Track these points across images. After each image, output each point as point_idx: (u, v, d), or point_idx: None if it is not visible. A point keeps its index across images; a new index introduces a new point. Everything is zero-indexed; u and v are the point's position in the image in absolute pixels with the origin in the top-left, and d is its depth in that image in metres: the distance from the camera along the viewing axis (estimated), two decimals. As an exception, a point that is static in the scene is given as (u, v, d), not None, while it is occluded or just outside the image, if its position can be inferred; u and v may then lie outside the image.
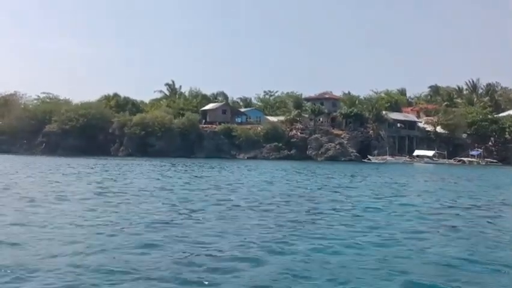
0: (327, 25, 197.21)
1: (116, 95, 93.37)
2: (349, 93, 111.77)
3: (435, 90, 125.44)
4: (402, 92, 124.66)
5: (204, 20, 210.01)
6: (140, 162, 53.04)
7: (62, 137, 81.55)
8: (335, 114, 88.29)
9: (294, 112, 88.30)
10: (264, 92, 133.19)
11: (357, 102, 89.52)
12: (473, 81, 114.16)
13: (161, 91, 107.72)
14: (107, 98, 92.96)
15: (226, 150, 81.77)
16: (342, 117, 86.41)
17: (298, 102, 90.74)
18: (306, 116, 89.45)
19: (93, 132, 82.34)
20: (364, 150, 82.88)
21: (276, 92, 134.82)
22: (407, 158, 79.54)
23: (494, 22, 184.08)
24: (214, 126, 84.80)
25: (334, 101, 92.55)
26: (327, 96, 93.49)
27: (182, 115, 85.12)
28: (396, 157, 79.38)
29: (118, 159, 67.14)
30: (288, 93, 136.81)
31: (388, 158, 77.20)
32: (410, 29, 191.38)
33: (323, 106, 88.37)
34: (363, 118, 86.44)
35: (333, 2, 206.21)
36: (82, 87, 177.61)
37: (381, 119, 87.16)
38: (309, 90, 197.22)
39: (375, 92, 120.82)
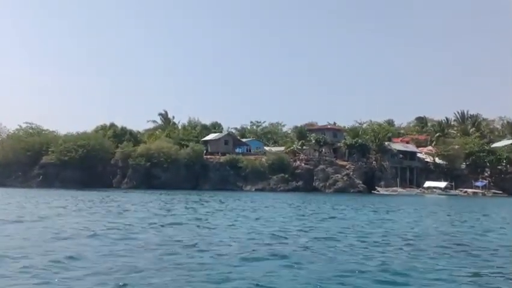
0: (311, 56, 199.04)
1: (113, 125, 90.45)
2: (334, 123, 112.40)
3: (422, 121, 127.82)
4: (390, 123, 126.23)
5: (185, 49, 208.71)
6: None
7: (60, 168, 77.93)
8: (338, 144, 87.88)
9: (299, 143, 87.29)
10: (251, 122, 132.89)
11: (360, 132, 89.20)
12: (462, 113, 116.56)
13: (154, 121, 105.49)
14: (103, 128, 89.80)
15: (232, 181, 79.85)
16: (346, 148, 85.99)
17: (302, 133, 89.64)
18: (305, 147, 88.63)
19: (92, 163, 79.11)
20: (368, 182, 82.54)
21: (264, 122, 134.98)
22: (419, 190, 79.19)
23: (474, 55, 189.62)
24: (217, 157, 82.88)
25: (335, 131, 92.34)
26: (328, 126, 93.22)
27: (183, 146, 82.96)
28: (407, 189, 79.12)
29: (128, 191, 64.25)
30: (273, 124, 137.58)
31: (399, 189, 76.88)
32: (390, 62, 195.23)
33: (325, 136, 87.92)
34: (367, 149, 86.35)
35: (315, 33, 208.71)
36: (64, 118, 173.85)
37: (384, 149, 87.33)
38: (293, 121, 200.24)
39: (359, 123, 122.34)
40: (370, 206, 39.37)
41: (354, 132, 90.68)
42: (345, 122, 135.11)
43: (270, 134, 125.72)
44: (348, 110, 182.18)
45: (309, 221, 24.45)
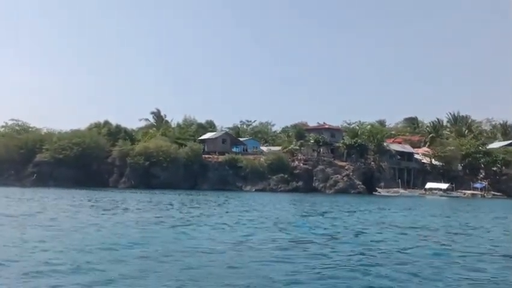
0: (300, 56, 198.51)
1: (107, 123, 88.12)
2: (324, 123, 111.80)
3: (413, 122, 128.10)
4: (382, 123, 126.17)
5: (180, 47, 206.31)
6: (185, 196, 48.19)
7: (55, 166, 75.60)
8: (337, 144, 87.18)
9: (297, 143, 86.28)
10: (241, 121, 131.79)
11: (359, 132, 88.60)
12: (454, 114, 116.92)
13: (147, 119, 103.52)
14: (97, 126, 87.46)
15: (232, 182, 78.48)
16: (345, 148, 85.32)
17: (300, 132, 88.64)
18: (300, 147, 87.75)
19: (87, 162, 76.93)
20: (367, 183, 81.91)
21: (254, 121, 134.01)
22: (422, 191, 78.86)
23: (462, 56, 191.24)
24: (216, 156, 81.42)
25: (333, 131, 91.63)
26: (326, 126, 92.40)
27: (180, 145, 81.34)
28: (409, 190, 78.75)
29: (127, 191, 62.45)
30: (263, 123, 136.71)
31: (401, 190, 76.45)
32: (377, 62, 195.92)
33: (324, 136, 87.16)
34: (365, 149, 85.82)
35: (304, 33, 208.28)
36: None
37: (383, 150, 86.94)
38: (283, 121, 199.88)
39: (348, 124, 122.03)
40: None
41: (353, 132, 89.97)
42: (333, 122, 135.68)
43: (260, 134, 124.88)
44: (336, 110, 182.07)
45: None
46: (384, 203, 46.65)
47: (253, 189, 76.53)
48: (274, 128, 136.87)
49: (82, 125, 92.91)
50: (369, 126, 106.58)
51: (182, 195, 52.00)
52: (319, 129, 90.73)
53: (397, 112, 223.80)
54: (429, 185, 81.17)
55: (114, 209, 28.84)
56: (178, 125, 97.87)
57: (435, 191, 78.03)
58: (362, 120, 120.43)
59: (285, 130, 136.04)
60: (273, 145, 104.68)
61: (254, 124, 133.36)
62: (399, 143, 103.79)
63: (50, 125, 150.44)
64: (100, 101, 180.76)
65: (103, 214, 24.93)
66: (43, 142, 78.26)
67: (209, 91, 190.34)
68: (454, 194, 78.38)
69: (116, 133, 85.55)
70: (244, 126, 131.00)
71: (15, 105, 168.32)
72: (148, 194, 54.05)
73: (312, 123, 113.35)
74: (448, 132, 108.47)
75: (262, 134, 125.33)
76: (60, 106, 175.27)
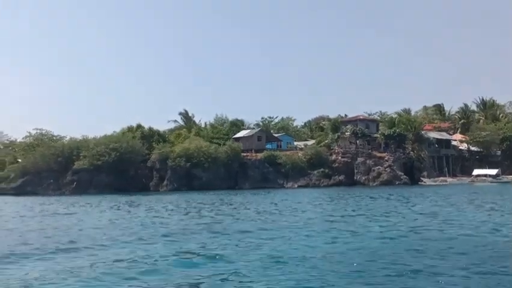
0: (318, 50, 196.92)
1: (140, 126, 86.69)
2: (345, 116, 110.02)
3: (440, 109, 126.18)
4: (407, 112, 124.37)
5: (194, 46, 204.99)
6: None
7: (94, 173, 74.24)
8: (374, 135, 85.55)
9: (334, 135, 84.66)
10: (262, 118, 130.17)
11: (396, 122, 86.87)
12: (482, 99, 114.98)
13: (175, 121, 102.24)
14: (130, 130, 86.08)
15: (273, 179, 76.94)
16: (384, 138, 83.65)
17: (336, 125, 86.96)
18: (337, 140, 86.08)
19: (125, 167, 75.66)
20: (407, 173, 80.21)
21: (276, 117, 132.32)
22: (470, 178, 77.22)
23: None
24: (254, 154, 79.97)
25: (367, 122, 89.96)
26: (361, 117, 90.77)
27: (218, 144, 79.98)
28: (458, 178, 77.13)
29: (170, 193, 61.31)
30: (284, 118, 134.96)
31: (449, 179, 74.85)
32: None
33: (361, 128, 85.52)
34: (404, 139, 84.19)
35: (319, 26, 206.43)
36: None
37: (421, 138, 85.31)
38: (304, 115, 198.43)
39: (368, 114, 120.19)
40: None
41: (390, 122, 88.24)
42: (352, 114, 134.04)
43: (282, 130, 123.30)
44: (355, 101, 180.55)
45: None
46: (465, 192, 45.09)
47: (296, 186, 75.08)
48: (295, 123, 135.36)
49: (102, 131, 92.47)
50: (395, 116, 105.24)
51: (271, 194, 51.16)
52: (354, 121, 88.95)
53: (412, 101, 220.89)
54: (476, 171, 79.53)
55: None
56: (211, 124, 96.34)
57: (484, 178, 76.26)
58: (383, 111, 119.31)
59: (307, 125, 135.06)
60: (298, 140, 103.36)
61: (276, 120, 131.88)
62: (429, 130, 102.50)
63: (72, 133, 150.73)
64: (119, 104, 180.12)
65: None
66: (80, 149, 76.94)
67: (221, 89, 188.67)
68: (504, 179, 76.60)
69: (149, 136, 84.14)
70: (266, 122, 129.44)
71: (35, 114, 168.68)
72: (225, 195, 52.53)
73: (332, 116, 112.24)
74: (480, 117, 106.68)
75: (284, 130, 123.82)
76: (77, 112, 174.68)
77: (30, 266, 12.69)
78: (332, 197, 44.23)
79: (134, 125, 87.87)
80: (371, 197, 41.90)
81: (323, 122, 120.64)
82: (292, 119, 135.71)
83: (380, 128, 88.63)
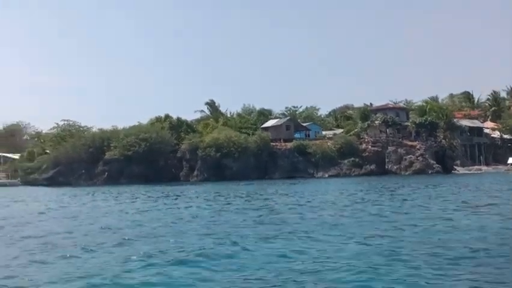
0: (341, 39, 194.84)
1: (168, 117, 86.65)
2: (371, 105, 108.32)
3: (469, 96, 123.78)
4: (435, 100, 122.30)
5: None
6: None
7: (125, 164, 74.44)
8: (405, 124, 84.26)
9: (364, 125, 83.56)
10: (286, 107, 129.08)
11: (427, 109, 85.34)
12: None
13: (202, 111, 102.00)
14: (159, 120, 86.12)
15: (303, 169, 76.24)
16: (415, 127, 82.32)
17: (365, 113, 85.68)
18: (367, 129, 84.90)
19: (155, 157, 75.72)
20: (439, 162, 78.77)
21: (300, 106, 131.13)
22: (509, 167, 75.57)
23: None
24: (283, 143, 79.36)
25: (397, 110, 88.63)
26: (390, 106, 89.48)
27: (247, 134, 79.54)
28: (493, 166, 75.59)
29: (201, 184, 61.14)
30: (308, 107, 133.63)
31: (484, 167, 73.33)
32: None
33: (392, 116, 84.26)
34: (436, 127, 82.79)
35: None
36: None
37: (453, 126, 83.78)
38: (327, 105, 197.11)
39: (394, 103, 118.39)
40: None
41: (421, 110, 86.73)
42: (377, 103, 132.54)
43: (307, 119, 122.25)
44: (377, 90, 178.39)
45: None
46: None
47: (326, 175, 74.35)
48: (319, 113, 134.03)
49: (128, 123, 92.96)
50: (424, 104, 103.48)
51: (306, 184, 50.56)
52: (383, 109, 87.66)
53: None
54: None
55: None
56: (238, 114, 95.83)
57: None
58: (408, 99, 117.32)
59: (331, 114, 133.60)
60: (323, 129, 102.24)
61: (300, 110, 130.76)
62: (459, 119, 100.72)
63: (98, 124, 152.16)
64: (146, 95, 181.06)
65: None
66: (110, 139, 77.25)
67: (242, 79, 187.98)
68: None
69: (177, 126, 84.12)
70: (290, 112, 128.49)
71: (62, 106, 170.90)
72: (259, 185, 52.19)
73: (357, 105, 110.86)
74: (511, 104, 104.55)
75: (309, 119, 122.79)
76: (102, 104, 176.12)
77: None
78: (388, 188, 43.06)
79: (162, 115, 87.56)
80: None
81: (349, 111, 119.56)
82: (317, 108, 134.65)
83: (410, 116, 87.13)
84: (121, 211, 26.64)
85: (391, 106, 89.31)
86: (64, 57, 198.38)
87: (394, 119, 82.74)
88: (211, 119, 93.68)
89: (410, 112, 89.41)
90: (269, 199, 32.64)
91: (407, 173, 74.47)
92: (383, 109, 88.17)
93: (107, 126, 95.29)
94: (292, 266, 10.84)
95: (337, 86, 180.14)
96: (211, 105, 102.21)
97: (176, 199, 35.78)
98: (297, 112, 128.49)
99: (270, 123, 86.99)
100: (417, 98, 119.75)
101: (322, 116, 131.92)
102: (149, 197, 39.29)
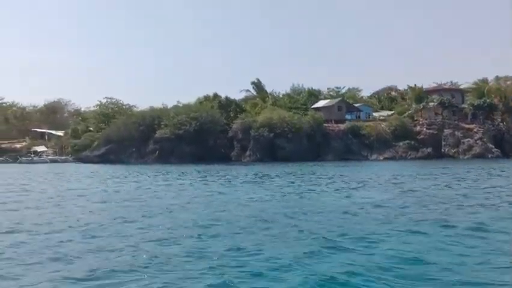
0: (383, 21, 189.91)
1: (216, 96, 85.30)
2: (415, 85, 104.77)
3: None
4: (485, 82, 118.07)
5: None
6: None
7: (175, 143, 73.52)
8: (462, 106, 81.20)
9: (419, 106, 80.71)
10: (328, 88, 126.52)
11: (486, 91, 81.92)
12: None
13: (248, 90, 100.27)
14: (207, 99, 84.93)
15: (356, 151, 74.30)
16: (473, 109, 79.20)
17: (420, 95, 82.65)
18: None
19: (205, 137, 74.58)
20: (497, 146, 75.66)
21: (343, 87, 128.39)
22: None
23: None
24: (336, 125, 77.36)
25: (453, 92, 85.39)
26: (446, 87, 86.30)
27: (297, 114, 77.68)
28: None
29: (255, 164, 59.27)
30: (350, 88, 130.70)
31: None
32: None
33: (449, 98, 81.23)
34: (494, 109, 79.54)
35: None
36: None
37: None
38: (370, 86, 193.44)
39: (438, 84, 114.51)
40: None
41: (478, 91, 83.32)
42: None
43: (351, 100, 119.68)
44: (420, 72, 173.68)
45: None
46: None
47: (381, 158, 72.31)
48: (361, 94, 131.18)
49: (172, 102, 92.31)
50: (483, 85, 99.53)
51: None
52: (438, 91, 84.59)
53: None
54: None
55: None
56: (287, 94, 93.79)
57: None
58: (454, 81, 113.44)
59: (375, 95, 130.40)
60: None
61: (343, 91, 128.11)
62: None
63: (141, 104, 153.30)
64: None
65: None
66: (161, 118, 76.45)
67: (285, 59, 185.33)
68: None
69: (226, 106, 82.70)
70: (333, 94, 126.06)
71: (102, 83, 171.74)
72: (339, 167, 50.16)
73: (400, 87, 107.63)
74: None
75: (352, 101, 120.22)
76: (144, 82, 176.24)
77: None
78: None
79: (211, 94, 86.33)
80: None
81: (393, 93, 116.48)
82: (359, 89, 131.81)
83: (466, 98, 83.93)
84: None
85: (447, 87, 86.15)
86: (106, 37, 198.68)
87: (451, 101, 79.65)
88: (258, 99, 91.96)
89: (467, 94, 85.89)
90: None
91: (465, 157, 71.81)
92: (437, 90, 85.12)
93: (145, 106, 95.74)
94: None
95: (378, 67, 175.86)
96: (257, 84, 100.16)
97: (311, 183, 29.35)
98: (339, 93, 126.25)
99: (321, 103, 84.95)
100: (462, 80, 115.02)
101: (364, 98, 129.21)
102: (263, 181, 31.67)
